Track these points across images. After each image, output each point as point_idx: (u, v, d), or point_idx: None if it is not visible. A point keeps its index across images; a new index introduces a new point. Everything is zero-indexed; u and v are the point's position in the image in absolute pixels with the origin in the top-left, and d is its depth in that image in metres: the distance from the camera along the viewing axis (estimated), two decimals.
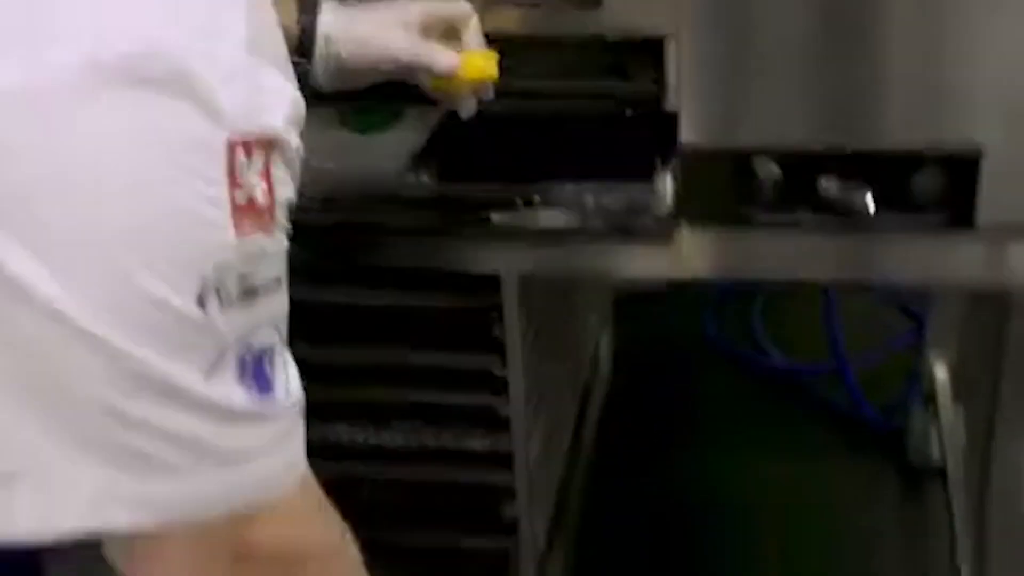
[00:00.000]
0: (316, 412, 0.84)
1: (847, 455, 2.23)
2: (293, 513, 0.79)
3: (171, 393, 0.70)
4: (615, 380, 2.29)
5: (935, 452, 2.10)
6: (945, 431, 2.02)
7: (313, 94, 1.15)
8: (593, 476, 2.12)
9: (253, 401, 0.73)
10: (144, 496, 0.72)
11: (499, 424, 1.71)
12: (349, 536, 0.85)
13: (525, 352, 1.70)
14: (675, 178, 1.45)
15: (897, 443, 2.17)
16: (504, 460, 1.73)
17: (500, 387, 1.69)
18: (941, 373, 2.10)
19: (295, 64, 0.82)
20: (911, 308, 2.42)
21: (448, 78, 1.24)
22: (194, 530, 0.74)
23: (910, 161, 1.37)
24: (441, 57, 1.22)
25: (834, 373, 2.34)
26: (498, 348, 1.66)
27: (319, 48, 1.17)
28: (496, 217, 1.51)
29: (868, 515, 2.11)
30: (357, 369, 1.72)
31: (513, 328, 1.64)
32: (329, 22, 1.18)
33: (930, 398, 2.11)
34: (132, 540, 0.74)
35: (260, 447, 0.75)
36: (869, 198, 1.38)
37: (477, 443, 1.72)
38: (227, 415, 0.73)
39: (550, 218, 1.51)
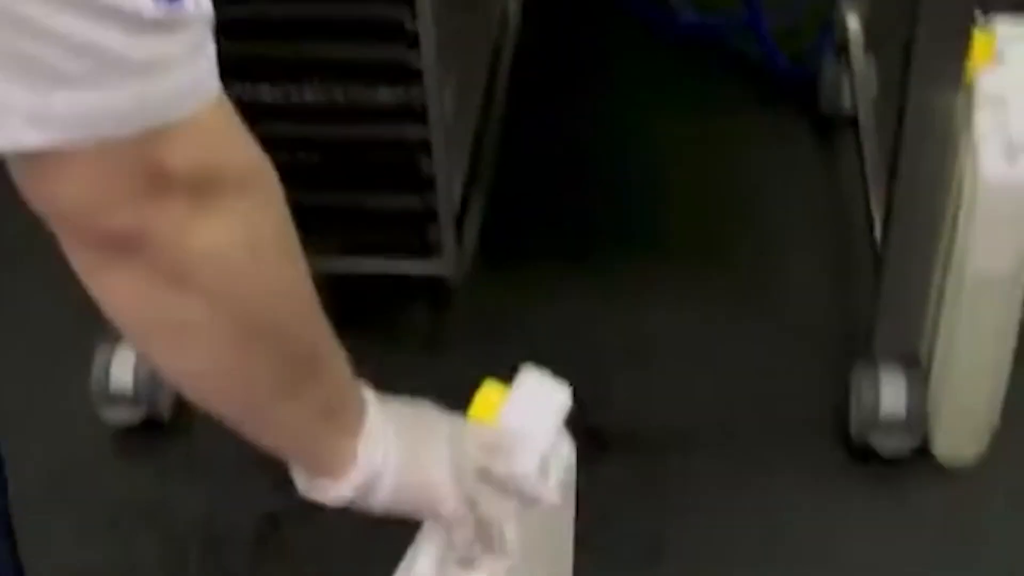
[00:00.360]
0: (225, 69, 0.78)
1: (760, 107, 2.23)
2: (208, 133, 0.76)
3: (77, 1, 0.66)
4: (524, 38, 2.24)
5: (847, 101, 2.10)
6: (857, 80, 2.02)
7: None
8: (505, 133, 2.10)
9: (161, 9, 0.69)
10: (51, 111, 0.69)
11: (411, 76, 1.68)
12: (269, 164, 0.81)
13: (435, 4, 1.66)
14: None
15: (810, 93, 2.16)
16: (418, 114, 1.70)
17: (411, 40, 1.66)
18: (854, 23, 2.08)
19: None
20: None
21: None
22: (105, 148, 0.71)
23: None
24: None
25: (747, 27, 2.31)
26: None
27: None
28: None
29: (781, 165, 2.13)
30: (264, 24, 1.67)
31: None
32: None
33: (842, 48, 2.10)
34: (40, 160, 0.71)
35: (170, 58, 0.71)
36: None
37: (389, 96, 1.69)
38: (135, 22, 0.68)
39: None
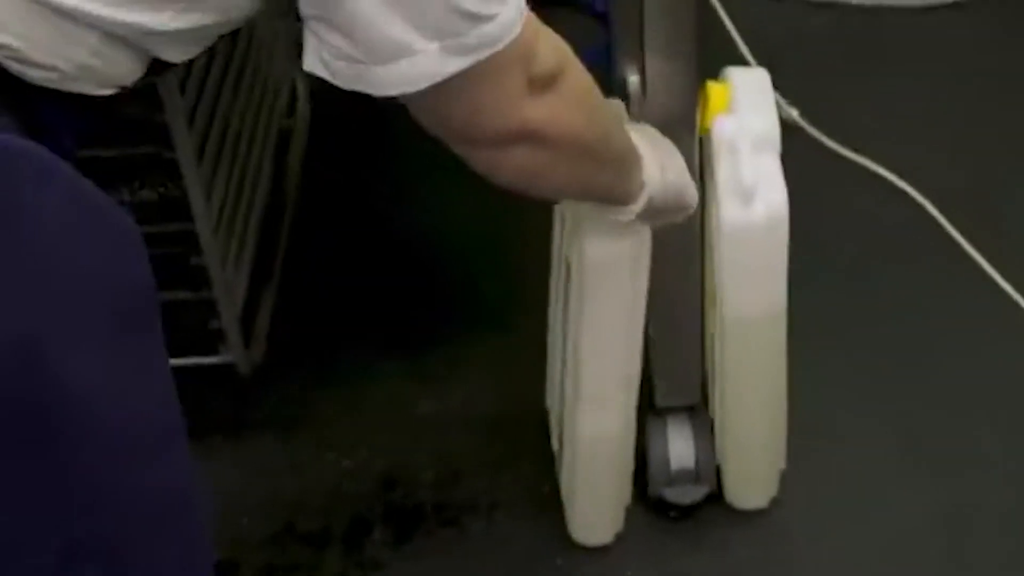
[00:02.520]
0: None
1: None
2: (547, 38, 1.06)
3: None
4: (314, 121, 2.26)
5: None
6: None
7: None
8: (298, 224, 2.12)
9: None
10: (466, 45, 0.96)
11: (169, 172, 1.68)
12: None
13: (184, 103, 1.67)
14: None
15: None
16: (181, 210, 1.71)
17: (165, 136, 1.66)
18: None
19: None
20: None
21: None
22: (498, 62, 0.98)
23: None
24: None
25: None
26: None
27: None
28: None
29: None
30: None
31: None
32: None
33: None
34: (447, 81, 0.97)
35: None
36: None
37: (149, 194, 1.69)
38: None
39: None
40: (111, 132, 1.66)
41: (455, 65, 0.96)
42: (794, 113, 2.30)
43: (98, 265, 0.91)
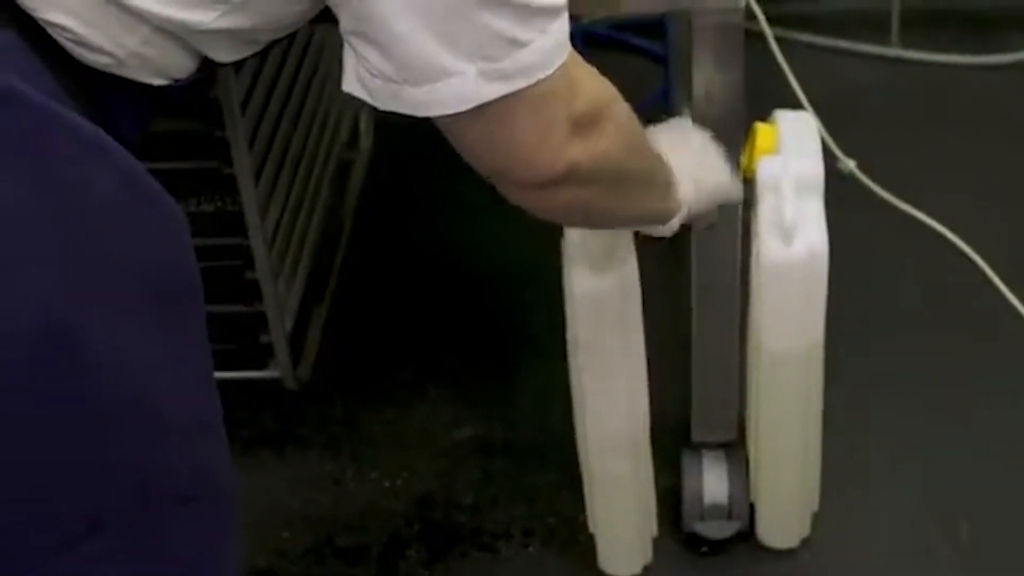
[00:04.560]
0: None
1: None
2: (590, 77, 1.06)
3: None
4: (376, 154, 2.31)
5: None
6: None
7: None
8: (352, 250, 2.16)
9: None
10: (501, 69, 0.95)
11: (226, 187, 1.73)
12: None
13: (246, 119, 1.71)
14: None
15: None
16: (237, 224, 1.75)
17: (224, 151, 1.70)
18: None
19: None
20: None
21: None
22: (537, 91, 0.98)
23: None
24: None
25: None
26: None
27: None
28: None
29: None
30: None
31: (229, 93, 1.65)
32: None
33: None
34: (485, 109, 0.97)
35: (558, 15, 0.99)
36: None
37: (207, 206, 1.74)
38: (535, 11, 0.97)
39: None
40: (173, 142, 1.72)
41: (493, 91, 0.95)
42: (851, 164, 2.32)
43: (144, 246, 0.93)
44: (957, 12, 2.71)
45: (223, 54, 1.03)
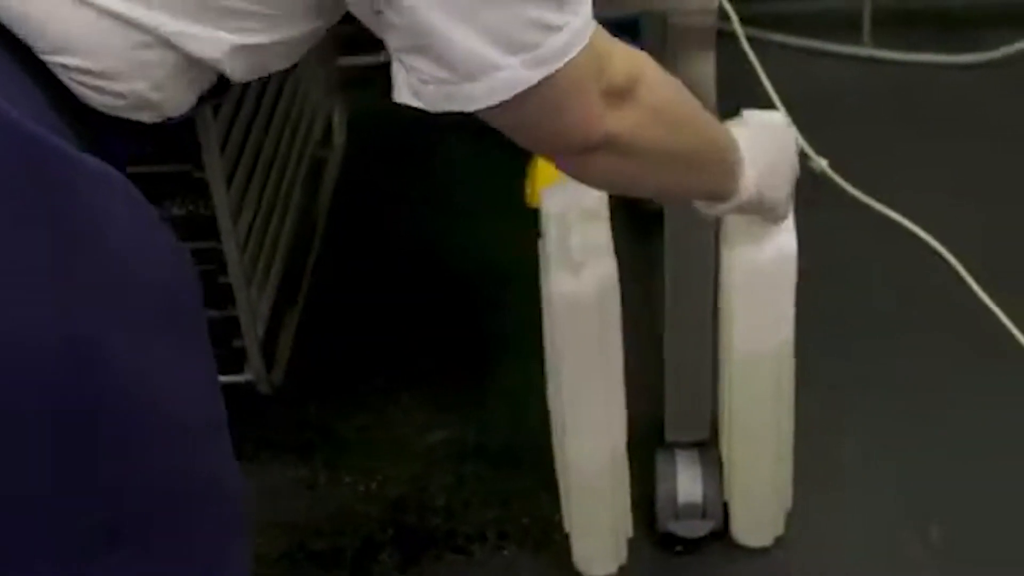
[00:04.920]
0: None
1: None
2: (623, 51, 1.10)
3: None
4: (349, 152, 2.30)
5: None
6: None
7: None
8: (325, 252, 2.15)
9: None
10: (541, 53, 1.01)
11: (198, 190, 1.72)
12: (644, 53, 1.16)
13: (220, 124, 1.71)
14: None
15: None
16: (208, 228, 1.75)
17: (197, 156, 1.70)
18: None
19: None
20: None
21: None
22: (571, 68, 1.03)
23: None
24: None
25: None
26: None
27: None
28: None
29: None
30: None
31: None
32: None
33: None
34: (526, 93, 1.02)
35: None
36: None
37: (178, 209, 1.73)
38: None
39: None
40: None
41: (535, 76, 1.02)
42: (823, 163, 2.33)
43: (155, 266, 0.99)
44: (929, 11, 2.72)
45: (244, 72, 1.06)
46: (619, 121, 1.10)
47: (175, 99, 1.05)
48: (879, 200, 2.27)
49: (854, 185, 2.30)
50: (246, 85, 1.85)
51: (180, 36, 0.99)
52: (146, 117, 1.04)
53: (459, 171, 2.37)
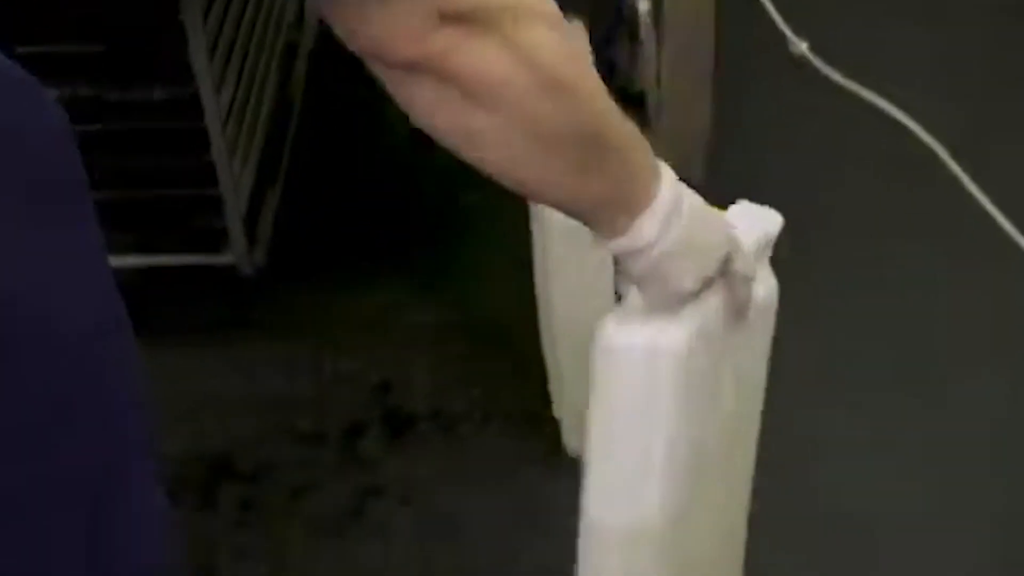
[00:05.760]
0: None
1: None
2: None
3: None
4: (322, 33, 2.26)
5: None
6: (643, 60, 2.07)
7: None
8: (302, 132, 2.13)
9: None
10: None
11: (183, 72, 1.69)
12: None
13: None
14: None
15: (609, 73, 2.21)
16: (193, 109, 1.72)
17: (181, 37, 1.67)
18: (643, 5, 2.14)
19: None
20: None
21: None
22: None
23: None
24: None
25: None
26: None
27: None
28: None
29: None
30: (45, 23, 1.68)
31: None
32: None
33: (633, 32, 2.15)
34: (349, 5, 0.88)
35: None
36: None
37: (163, 92, 1.71)
38: None
39: None
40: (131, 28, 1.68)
41: None
42: (803, 47, 2.31)
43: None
44: None
45: None
46: (454, 46, 0.89)
47: None
48: (861, 84, 2.26)
49: (835, 69, 2.29)
50: None
51: None
52: None
53: None
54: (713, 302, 1.06)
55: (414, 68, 0.91)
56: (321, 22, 2.24)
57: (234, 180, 1.80)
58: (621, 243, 1.00)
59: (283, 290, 1.99)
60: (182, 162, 1.77)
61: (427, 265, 2.03)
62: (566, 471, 1.76)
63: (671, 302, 1.05)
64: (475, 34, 0.90)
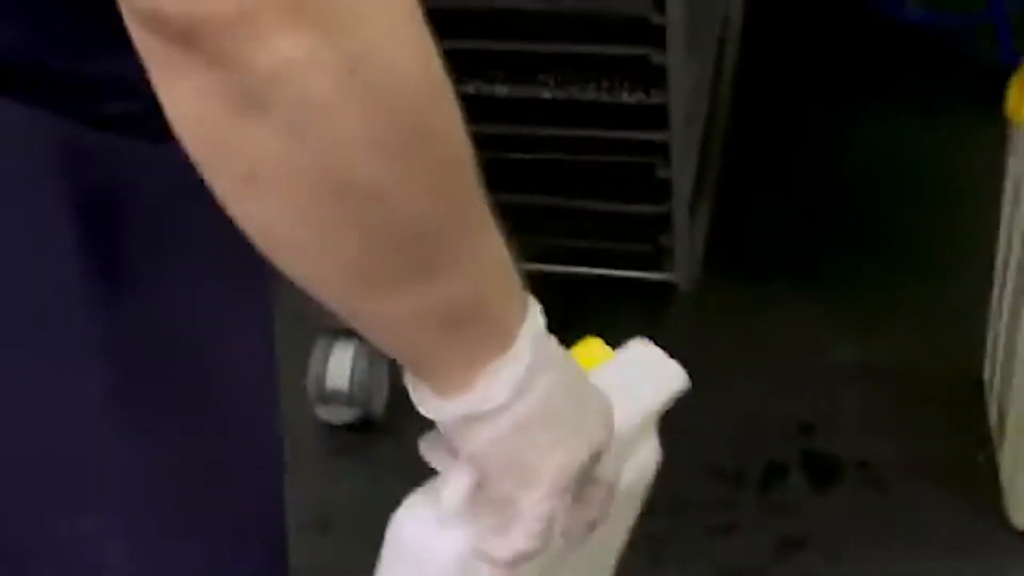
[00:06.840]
0: (461, 63, 0.65)
1: (988, 107, 2.13)
2: None
3: None
4: (747, 35, 2.17)
5: None
6: None
7: None
8: (731, 133, 2.03)
9: None
10: None
11: (656, 77, 1.60)
12: None
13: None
14: None
15: None
16: (659, 117, 1.63)
17: (658, 38, 1.58)
18: None
19: None
20: None
21: None
22: None
23: None
24: None
25: (986, 24, 2.20)
26: None
27: None
28: None
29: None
30: (505, 16, 1.61)
31: None
32: None
33: None
34: None
35: None
36: None
37: (631, 97, 1.62)
38: None
39: None
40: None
41: None
42: None
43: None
44: None
45: None
46: (264, 22, 0.57)
47: None
48: None
49: None
50: None
51: None
52: None
53: (864, 61, 2.25)
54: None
55: (191, 42, 0.58)
56: (749, 20, 2.16)
57: (683, 193, 1.71)
58: (458, 404, 0.68)
59: (712, 305, 1.91)
60: (636, 174, 1.69)
61: (849, 300, 1.93)
62: (1017, 546, 1.63)
63: (509, 507, 0.71)
64: (299, 22, 0.58)
